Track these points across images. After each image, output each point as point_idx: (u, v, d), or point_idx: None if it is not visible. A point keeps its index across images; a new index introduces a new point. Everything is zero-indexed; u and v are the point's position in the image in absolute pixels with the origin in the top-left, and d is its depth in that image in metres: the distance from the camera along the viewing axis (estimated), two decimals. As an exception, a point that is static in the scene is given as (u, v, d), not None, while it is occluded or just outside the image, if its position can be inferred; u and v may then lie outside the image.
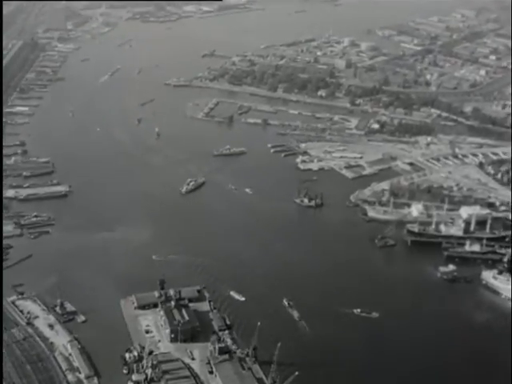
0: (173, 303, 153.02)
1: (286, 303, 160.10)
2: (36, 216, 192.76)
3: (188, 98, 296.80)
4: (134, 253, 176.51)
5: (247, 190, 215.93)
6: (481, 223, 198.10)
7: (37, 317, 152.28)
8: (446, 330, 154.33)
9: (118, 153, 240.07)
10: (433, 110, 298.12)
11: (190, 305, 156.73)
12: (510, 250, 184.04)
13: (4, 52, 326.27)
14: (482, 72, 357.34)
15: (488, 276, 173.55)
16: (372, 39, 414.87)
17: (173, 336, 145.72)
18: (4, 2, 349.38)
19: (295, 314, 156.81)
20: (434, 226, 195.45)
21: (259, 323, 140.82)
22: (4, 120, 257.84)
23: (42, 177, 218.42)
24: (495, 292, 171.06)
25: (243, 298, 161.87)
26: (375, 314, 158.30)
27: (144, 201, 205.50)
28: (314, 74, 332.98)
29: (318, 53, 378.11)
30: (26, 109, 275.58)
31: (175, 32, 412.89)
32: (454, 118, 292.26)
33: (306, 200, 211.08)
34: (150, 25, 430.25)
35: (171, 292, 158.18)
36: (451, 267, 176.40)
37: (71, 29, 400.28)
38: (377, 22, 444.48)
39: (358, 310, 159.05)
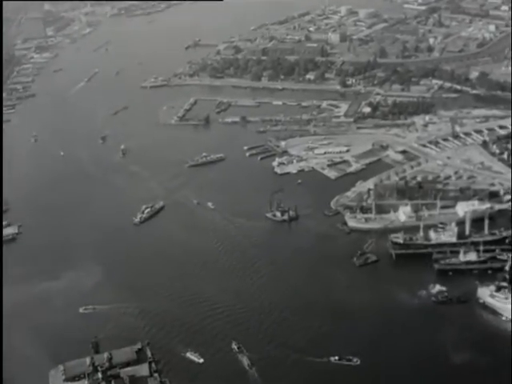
0: (99, 375, 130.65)
1: (236, 347, 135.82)
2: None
3: (164, 101, 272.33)
4: (75, 306, 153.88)
5: (210, 204, 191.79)
6: (480, 221, 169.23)
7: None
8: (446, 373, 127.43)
9: (80, 178, 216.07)
10: (434, 82, 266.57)
11: (128, 369, 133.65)
12: (511, 255, 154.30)
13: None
14: (492, 27, 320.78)
15: (484, 294, 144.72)
16: (373, 5, 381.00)
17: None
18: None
19: (245, 362, 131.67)
20: (422, 234, 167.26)
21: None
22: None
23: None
24: (494, 313, 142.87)
25: (201, 360, 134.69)
26: (356, 361, 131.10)
27: (97, 235, 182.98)
28: (303, 55, 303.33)
29: (311, 28, 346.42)
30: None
31: (160, 24, 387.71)
32: (458, 87, 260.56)
33: (278, 214, 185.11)
34: (136, 19, 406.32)
35: (105, 356, 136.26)
36: (438, 287, 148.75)
37: (51, 35, 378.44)
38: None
39: (336, 358, 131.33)
